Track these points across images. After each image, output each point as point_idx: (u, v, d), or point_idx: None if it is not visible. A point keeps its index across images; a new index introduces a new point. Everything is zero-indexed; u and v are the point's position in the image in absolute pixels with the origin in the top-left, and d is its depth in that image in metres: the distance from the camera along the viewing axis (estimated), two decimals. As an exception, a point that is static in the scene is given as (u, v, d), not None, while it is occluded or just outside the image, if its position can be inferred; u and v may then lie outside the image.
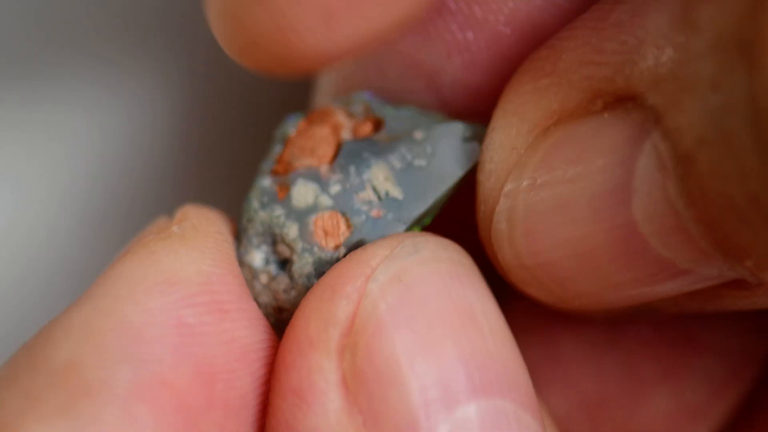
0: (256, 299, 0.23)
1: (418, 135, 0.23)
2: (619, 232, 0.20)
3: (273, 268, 0.23)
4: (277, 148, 0.22)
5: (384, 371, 0.20)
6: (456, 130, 0.23)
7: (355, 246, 0.22)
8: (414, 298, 0.21)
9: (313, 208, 0.22)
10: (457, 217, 0.24)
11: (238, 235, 0.23)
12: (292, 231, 0.22)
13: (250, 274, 0.23)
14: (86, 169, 0.32)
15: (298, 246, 0.22)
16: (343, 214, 0.23)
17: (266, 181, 0.22)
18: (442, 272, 0.22)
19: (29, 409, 0.19)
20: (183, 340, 0.20)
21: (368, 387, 0.20)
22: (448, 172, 0.23)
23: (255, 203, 0.22)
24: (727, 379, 0.26)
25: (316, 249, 0.22)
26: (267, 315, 0.23)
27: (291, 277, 0.23)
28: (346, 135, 0.22)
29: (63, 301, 0.21)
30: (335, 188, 0.22)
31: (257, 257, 0.23)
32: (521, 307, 0.25)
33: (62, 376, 0.19)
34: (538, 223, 0.21)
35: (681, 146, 0.19)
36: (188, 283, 0.21)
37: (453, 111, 0.24)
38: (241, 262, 0.23)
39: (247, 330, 0.21)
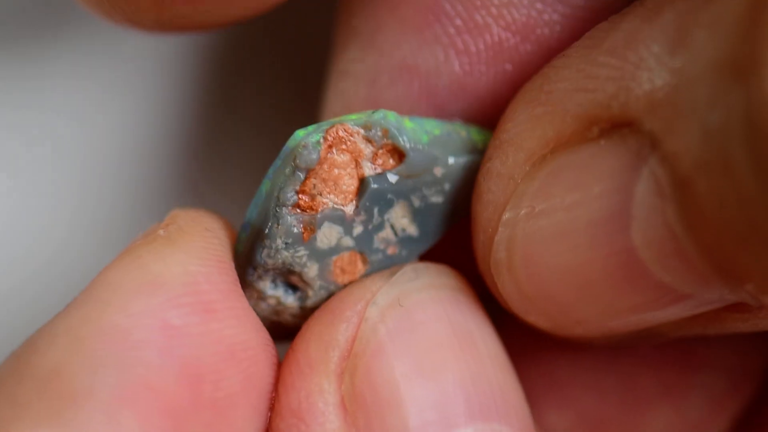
0: (256, 312, 0.23)
1: (438, 172, 0.23)
2: (618, 258, 0.20)
3: (282, 295, 0.23)
4: (298, 175, 0.22)
5: (382, 393, 0.20)
6: (474, 164, 0.23)
7: None
8: (413, 323, 0.21)
9: (335, 250, 0.23)
10: (457, 244, 0.24)
11: (241, 247, 0.23)
12: (312, 271, 0.23)
13: (257, 295, 0.23)
14: (80, 173, 0.32)
15: (316, 284, 0.23)
16: (361, 253, 0.23)
17: (290, 219, 0.22)
18: (441, 298, 0.22)
19: (16, 417, 0.19)
20: (169, 342, 0.20)
21: (367, 409, 0.20)
22: (461, 208, 0.23)
23: (279, 242, 0.22)
24: (727, 395, 0.26)
25: (332, 287, 0.23)
26: (263, 319, 0.23)
27: (302, 307, 0.23)
28: (367, 166, 0.22)
29: (57, 306, 0.21)
30: (358, 229, 0.23)
31: (269, 285, 0.23)
32: (520, 328, 0.25)
33: (48, 384, 0.19)
34: (537, 251, 0.21)
35: (679, 171, 0.19)
36: (174, 285, 0.21)
37: (448, 116, 0.24)
38: (249, 284, 0.23)
39: (234, 329, 0.21)
